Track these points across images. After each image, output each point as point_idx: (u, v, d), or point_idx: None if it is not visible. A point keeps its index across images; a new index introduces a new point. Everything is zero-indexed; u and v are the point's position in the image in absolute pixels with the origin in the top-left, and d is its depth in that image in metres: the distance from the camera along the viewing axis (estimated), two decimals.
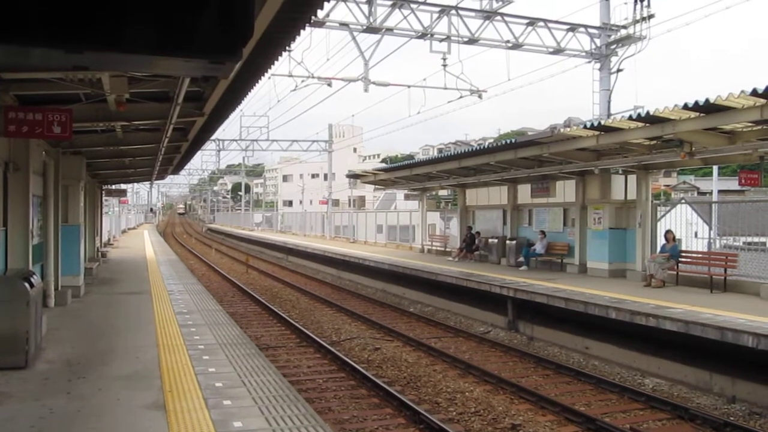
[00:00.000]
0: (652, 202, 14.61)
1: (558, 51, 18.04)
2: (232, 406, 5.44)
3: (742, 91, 8.74)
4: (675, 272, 12.90)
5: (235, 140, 39.53)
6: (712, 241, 13.96)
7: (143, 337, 8.41)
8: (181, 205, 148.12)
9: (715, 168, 26.78)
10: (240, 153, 51.32)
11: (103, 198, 28.14)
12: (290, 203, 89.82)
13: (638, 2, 16.95)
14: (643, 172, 14.16)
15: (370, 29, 16.28)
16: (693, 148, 11.16)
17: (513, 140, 15.04)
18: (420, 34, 16.71)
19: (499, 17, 17.26)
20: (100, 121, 9.81)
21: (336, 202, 55.61)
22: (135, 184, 52.00)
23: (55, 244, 11.49)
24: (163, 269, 18.61)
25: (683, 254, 13.13)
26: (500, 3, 16.85)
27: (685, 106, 9.69)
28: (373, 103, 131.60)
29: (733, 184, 23.90)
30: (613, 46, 18.05)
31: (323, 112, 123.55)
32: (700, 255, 13.32)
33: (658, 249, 13.64)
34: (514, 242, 18.14)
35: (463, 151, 17.71)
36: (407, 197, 28.93)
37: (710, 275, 12.16)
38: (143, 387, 6.00)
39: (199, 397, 5.70)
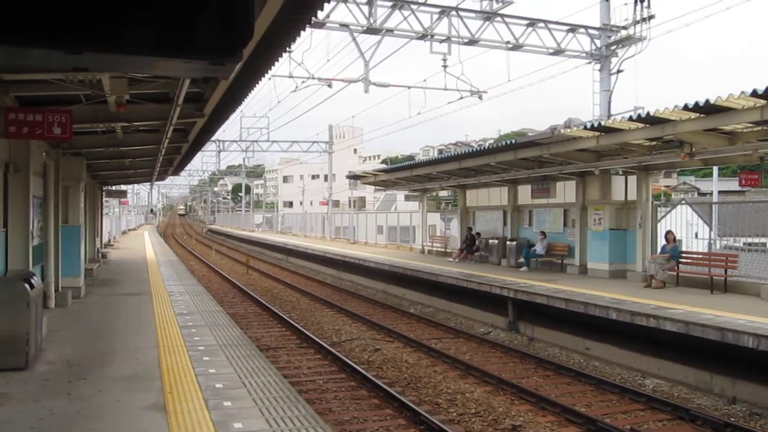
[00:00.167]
0: (652, 202, 14.60)
1: (558, 52, 18.04)
2: (232, 407, 5.44)
3: (742, 92, 8.74)
4: (675, 273, 12.90)
5: (236, 141, 39.56)
6: (712, 241, 13.94)
7: (143, 338, 8.41)
8: (182, 206, 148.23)
9: (715, 169, 26.77)
10: (240, 154, 51.34)
11: (104, 199, 28.15)
12: (290, 204, 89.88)
13: (638, 3, 16.94)
14: (643, 172, 14.15)
15: (371, 30, 16.28)
16: (693, 149, 11.15)
17: (513, 141, 15.04)
18: (420, 35, 16.71)
19: (499, 18, 17.26)
20: (101, 122, 9.81)
21: (336, 203, 55.60)
22: (135, 185, 52.04)
23: (55, 245, 11.49)
24: (164, 270, 18.61)
25: (683, 255, 13.12)
26: (500, 4, 16.86)
27: (685, 107, 9.68)
28: (374, 104, 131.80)
29: (733, 184, 23.95)
30: (613, 47, 18.04)
31: (323, 113, 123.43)
32: (700, 256, 13.31)
33: (659, 250, 13.63)
34: (514, 243, 18.14)
35: (463, 152, 17.71)
36: (407, 198, 28.88)
37: (710, 276, 12.16)
38: (143, 388, 6.00)
39: (199, 398, 5.70)
